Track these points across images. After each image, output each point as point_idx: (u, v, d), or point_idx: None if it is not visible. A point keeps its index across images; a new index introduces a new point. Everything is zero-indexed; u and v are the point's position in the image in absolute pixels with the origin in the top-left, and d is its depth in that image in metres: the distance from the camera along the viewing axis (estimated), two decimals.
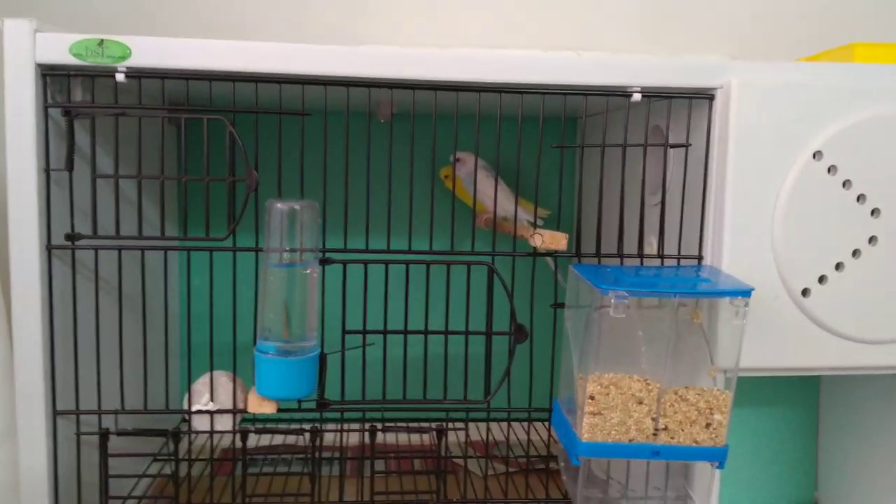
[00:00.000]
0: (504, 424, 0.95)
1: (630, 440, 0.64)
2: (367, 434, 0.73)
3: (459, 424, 0.75)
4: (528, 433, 0.95)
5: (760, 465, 0.88)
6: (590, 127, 0.99)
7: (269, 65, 0.66)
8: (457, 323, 0.74)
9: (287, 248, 0.66)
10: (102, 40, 0.65)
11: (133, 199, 0.77)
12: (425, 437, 0.98)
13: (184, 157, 0.75)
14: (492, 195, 0.87)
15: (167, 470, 0.80)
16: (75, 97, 0.68)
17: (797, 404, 0.89)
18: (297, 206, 0.65)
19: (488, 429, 0.87)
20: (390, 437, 0.96)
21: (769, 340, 0.69)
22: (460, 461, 0.91)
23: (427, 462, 0.91)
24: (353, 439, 0.98)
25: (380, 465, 0.82)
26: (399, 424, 0.75)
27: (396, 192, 0.74)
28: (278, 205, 0.65)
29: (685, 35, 1.08)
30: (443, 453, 0.73)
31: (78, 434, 0.69)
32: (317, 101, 0.69)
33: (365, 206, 0.72)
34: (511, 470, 0.91)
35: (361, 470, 0.87)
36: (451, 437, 0.79)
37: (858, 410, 0.85)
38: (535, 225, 0.74)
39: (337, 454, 0.90)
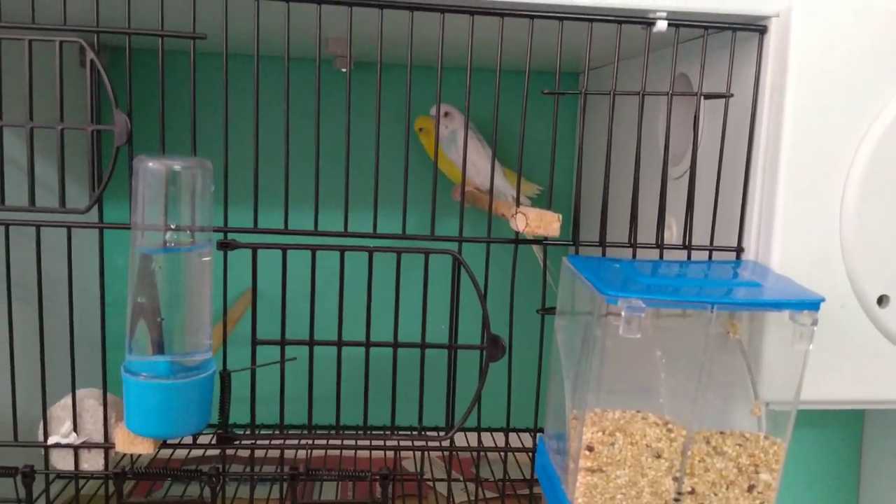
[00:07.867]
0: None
1: None
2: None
3: (412, 468, 0.56)
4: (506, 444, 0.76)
5: (795, 494, 0.72)
6: (596, 82, 0.80)
7: None
8: (412, 329, 0.56)
9: (168, 227, 0.47)
10: None
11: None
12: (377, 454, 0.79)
13: (91, 99, 0.53)
14: (481, 165, 0.70)
15: None
16: None
17: (839, 425, 0.74)
18: (177, 167, 0.46)
19: (450, 461, 0.68)
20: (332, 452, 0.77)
21: (830, 363, 0.52)
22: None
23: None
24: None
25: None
26: (329, 471, 0.56)
27: (354, 155, 0.55)
28: (151, 164, 0.46)
29: None
30: None
31: None
32: (242, 30, 0.50)
33: (309, 175, 0.53)
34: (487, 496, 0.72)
35: None
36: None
37: None
38: (517, 202, 0.55)
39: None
